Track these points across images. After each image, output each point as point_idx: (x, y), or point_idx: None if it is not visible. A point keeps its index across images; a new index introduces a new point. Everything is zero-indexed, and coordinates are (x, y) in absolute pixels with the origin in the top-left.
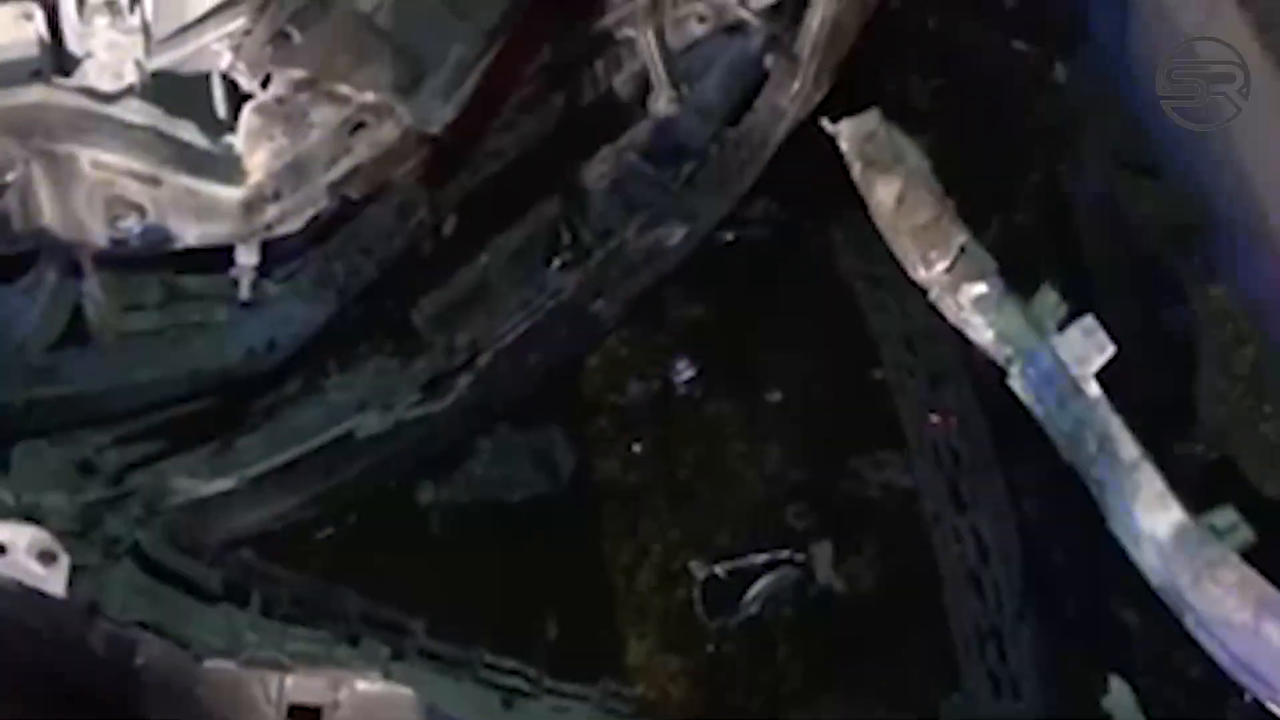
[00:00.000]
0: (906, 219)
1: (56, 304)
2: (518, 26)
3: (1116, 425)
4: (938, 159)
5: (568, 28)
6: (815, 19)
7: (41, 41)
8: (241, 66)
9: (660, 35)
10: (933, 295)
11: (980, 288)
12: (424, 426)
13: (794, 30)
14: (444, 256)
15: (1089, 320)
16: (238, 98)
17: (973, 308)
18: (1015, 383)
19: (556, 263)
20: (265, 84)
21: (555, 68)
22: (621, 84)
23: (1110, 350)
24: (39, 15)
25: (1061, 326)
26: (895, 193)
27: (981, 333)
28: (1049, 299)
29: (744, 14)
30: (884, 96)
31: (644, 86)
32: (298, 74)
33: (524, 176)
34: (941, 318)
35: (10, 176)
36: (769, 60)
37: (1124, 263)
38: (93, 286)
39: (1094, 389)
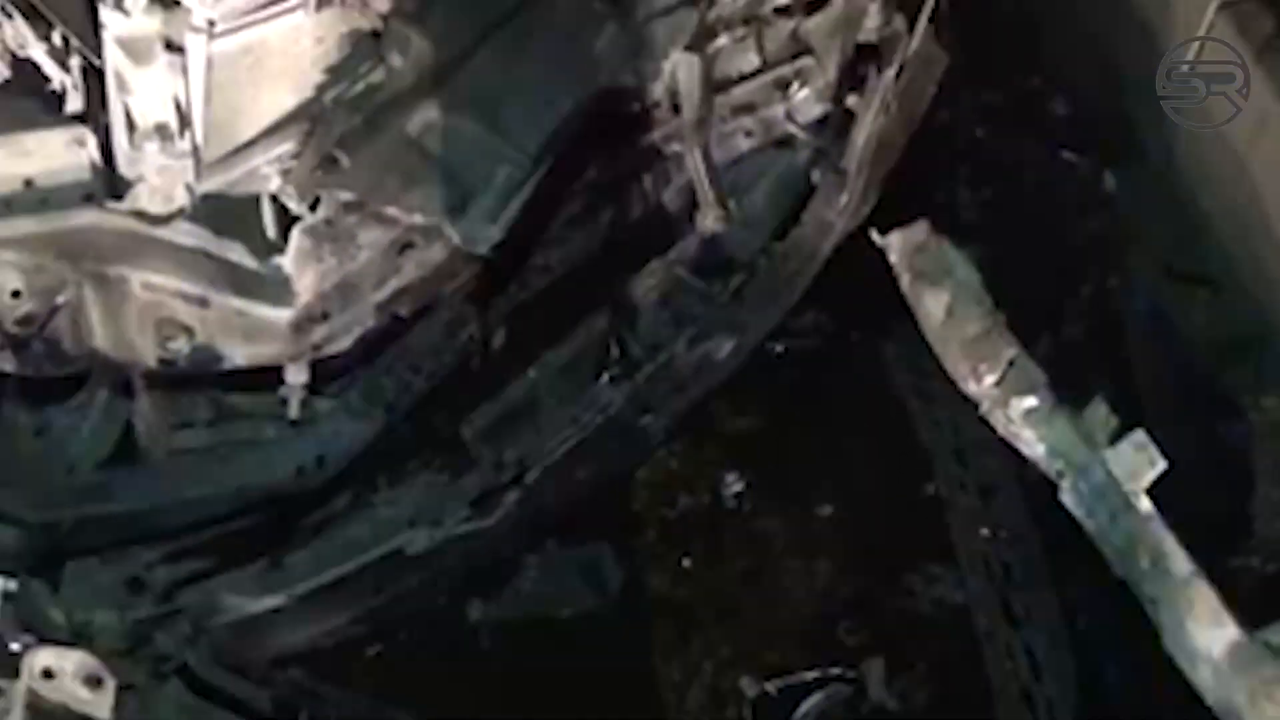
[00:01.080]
0: (956, 332)
1: (107, 422)
2: (564, 147)
3: (1169, 541)
4: (987, 271)
5: (615, 145)
6: (862, 133)
7: (94, 166)
8: (290, 189)
9: (707, 153)
10: (983, 409)
11: (1030, 401)
12: (472, 543)
13: (841, 144)
14: (493, 372)
15: (1140, 435)
16: (287, 220)
17: (1023, 421)
18: (1067, 497)
19: (605, 377)
20: (314, 206)
21: (603, 183)
22: (670, 198)
23: (1162, 465)
24: (91, 141)
25: (1113, 440)
26: (945, 305)
27: (1032, 447)
28: (1100, 413)
29: (791, 128)
30: (933, 208)
31: (692, 200)
32: (346, 196)
33: (572, 291)
34: (992, 431)
35: (62, 298)
36: (817, 174)
37: (1176, 375)
38: (143, 405)
39: (1146, 504)
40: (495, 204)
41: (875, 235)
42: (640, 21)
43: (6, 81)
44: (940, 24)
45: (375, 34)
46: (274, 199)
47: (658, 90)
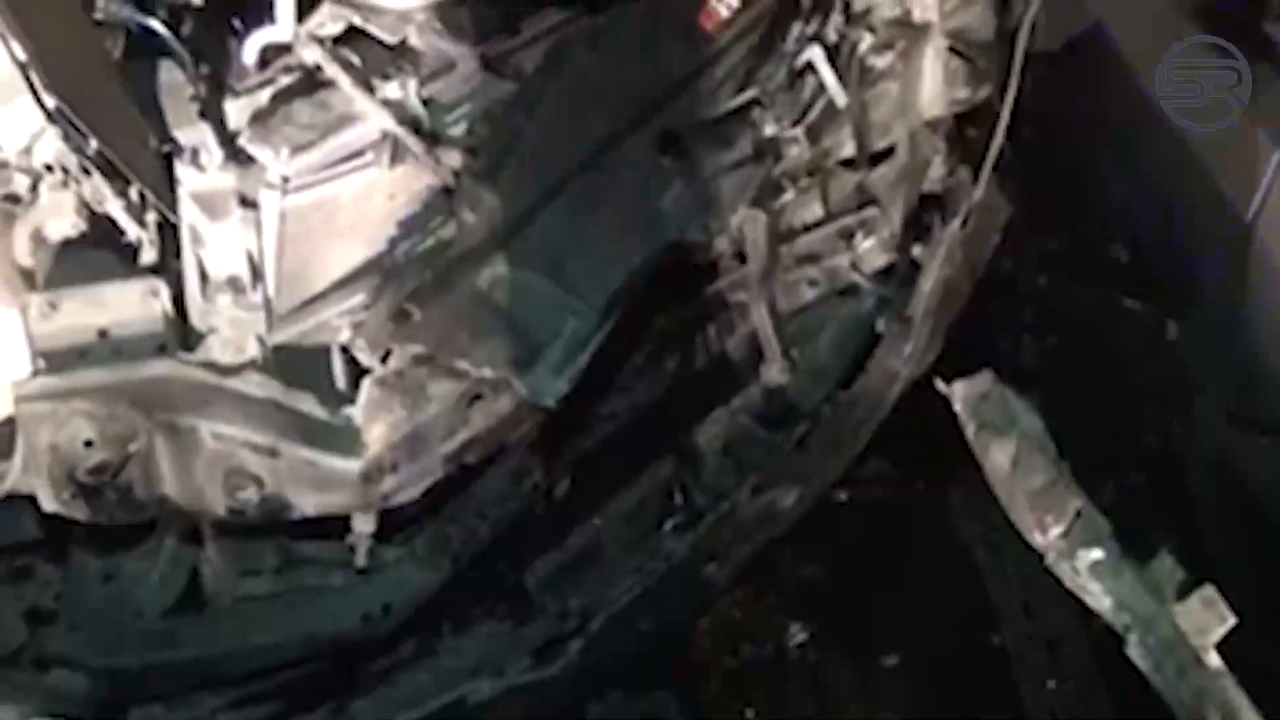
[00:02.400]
0: (1021, 482)
1: (174, 569)
2: (631, 300)
3: (1239, 698)
4: (1051, 419)
5: (680, 295)
6: (927, 282)
7: (166, 317)
8: (362, 342)
9: (772, 306)
10: (1049, 560)
11: (1097, 554)
12: (535, 692)
13: (906, 293)
14: (557, 519)
15: (1209, 590)
16: (357, 371)
17: (1089, 574)
18: (1134, 651)
19: (668, 526)
20: (385, 359)
21: (668, 332)
22: (733, 346)
23: (1231, 621)
24: (164, 292)
25: (1180, 594)
26: (1010, 455)
27: (1099, 599)
28: (1166, 565)
29: (856, 277)
30: (996, 355)
31: (756, 348)
32: (417, 349)
33: (636, 439)
34: (1059, 583)
35: (133, 447)
36: (881, 322)
37: (1242, 524)
38: (210, 552)
39: (1215, 660)
40: (563, 358)
41: (940, 384)
42: (706, 178)
43: (82, 235)
44: (1003, 173)
45: (447, 190)
46: (345, 351)
47: (723, 244)
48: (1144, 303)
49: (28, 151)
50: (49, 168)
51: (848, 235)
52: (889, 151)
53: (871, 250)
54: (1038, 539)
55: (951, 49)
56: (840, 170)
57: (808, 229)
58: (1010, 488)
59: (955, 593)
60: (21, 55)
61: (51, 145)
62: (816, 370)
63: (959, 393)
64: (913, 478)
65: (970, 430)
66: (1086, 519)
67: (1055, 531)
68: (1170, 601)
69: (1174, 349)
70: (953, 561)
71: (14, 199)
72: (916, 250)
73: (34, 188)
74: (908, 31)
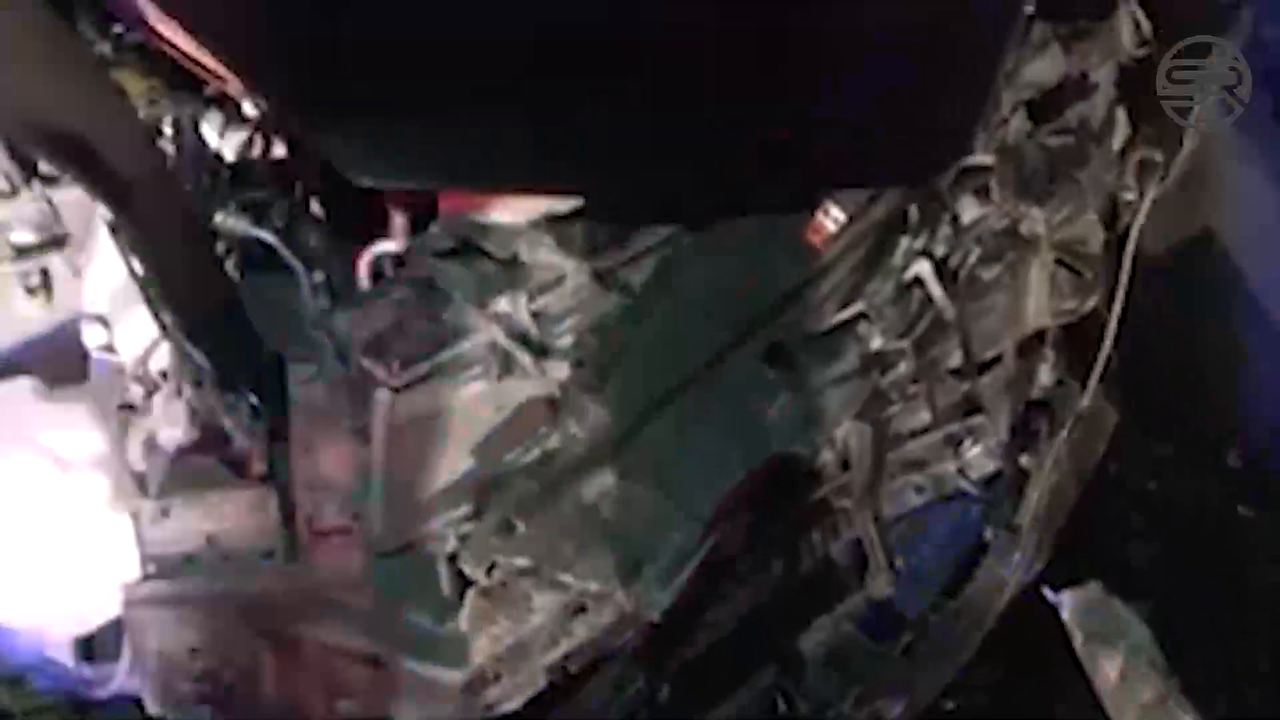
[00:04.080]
0: (1130, 697)
1: None
2: (736, 512)
3: None
4: (1160, 627)
5: (785, 503)
6: (1035, 491)
7: (275, 526)
8: (467, 554)
9: (877, 515)
10: None
11: None
12: None
13: (1014, 500)
14: None
15: None
16: (462, 582)
17: None
18: None
19: None
20: (490, 570)
21: (772, 539)
22: (838, 552)
23: None
24: (273, 501)
25: None
26: (1118, 668)
27: None
28: None
29: (963, 484)
30: (1105, 561)
31: (860, 553)
32: (522, 562)
33: (739, 645)
34: None
35: (238, 655)
36: (988, 530)
37: None
38: None
39: None
40: (667, 571)
41: (1048, 592)
42: (813, 391)
43: (194, 443)
44: (1110, 380)
45: (553, 402)
46: (450, 561)
47: (827, 453)
48: (1259, 510)
49: (143, 362)
50: (164, 376)
51: (954, 442)
52: (996, 359)
53: (978, 457)
54: None
55: (1059, 261)
56: (947, 378)
57: (913, 435)
58: (1119, 701)
59: None
60: (140, 270)
61: (166, 356)
62: (922, 578)
63: (1067, 602)
64: (1019, 688)
65: (1078, 641)
66: None
67: None
68: None
69: None
70: None
71: (129, 407)
72: (1024, 458)
73: (149, 396)
74: (1015, 244)
